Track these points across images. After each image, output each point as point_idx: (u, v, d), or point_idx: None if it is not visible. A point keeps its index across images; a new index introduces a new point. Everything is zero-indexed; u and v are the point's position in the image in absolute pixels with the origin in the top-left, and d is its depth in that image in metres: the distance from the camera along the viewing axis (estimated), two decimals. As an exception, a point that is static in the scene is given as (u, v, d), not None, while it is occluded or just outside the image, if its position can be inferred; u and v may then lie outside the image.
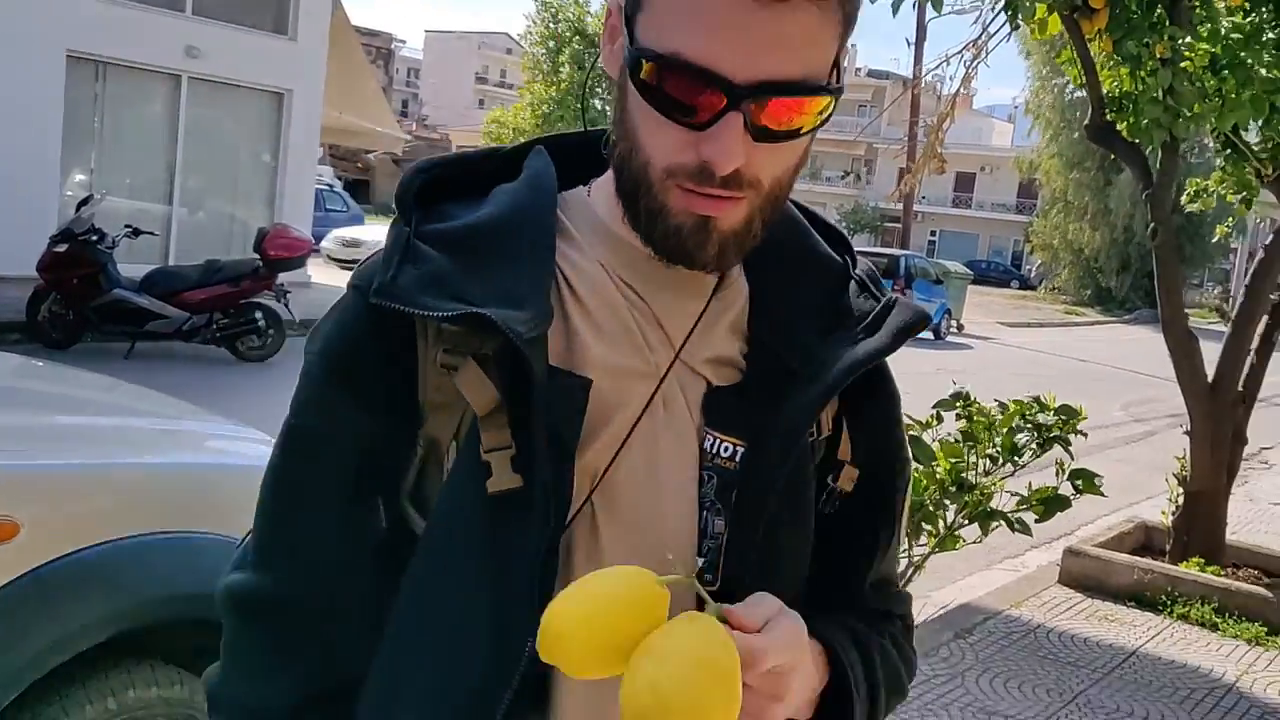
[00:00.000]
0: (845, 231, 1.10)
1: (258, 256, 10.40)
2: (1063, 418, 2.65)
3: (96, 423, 2.99)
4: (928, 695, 4.51)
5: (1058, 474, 2.71)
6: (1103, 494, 2.72)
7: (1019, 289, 46.50)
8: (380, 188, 40.11)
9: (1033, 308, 35.44)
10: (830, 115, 0.90)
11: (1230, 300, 39.46)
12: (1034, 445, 2.65)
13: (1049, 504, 2.56)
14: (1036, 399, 2.77)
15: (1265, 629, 5.66)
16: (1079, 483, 2.64)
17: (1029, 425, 2.67)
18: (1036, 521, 2.62)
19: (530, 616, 0.84)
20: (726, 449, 0.94)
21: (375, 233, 22.19)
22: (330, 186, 24.94)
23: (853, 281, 1.03)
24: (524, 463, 0.88)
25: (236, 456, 3.03)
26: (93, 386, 3.48)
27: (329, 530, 0.95)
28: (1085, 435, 2.83)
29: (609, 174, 0.97)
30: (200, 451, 3.05)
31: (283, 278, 10.63)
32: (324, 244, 20.01)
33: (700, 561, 0.93)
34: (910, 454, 1.10)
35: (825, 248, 1.06)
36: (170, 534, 2.56)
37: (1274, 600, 5.78)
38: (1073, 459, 2.71)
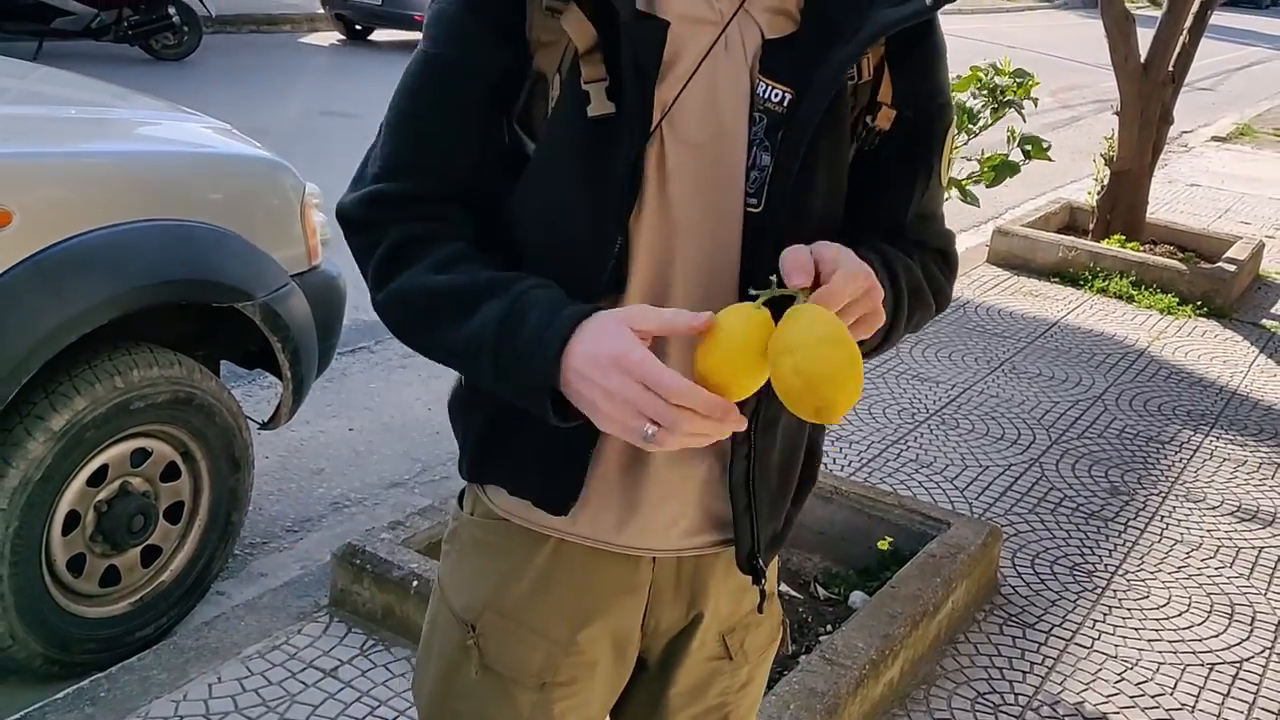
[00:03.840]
0: None
1: (165, -55, 9.85)
2: (1017, 81, 2.73)
3: (61, 112, 2.97)
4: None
5: (1008, 141, 2.83)
6: (1050, 159, 2.85)
7: (948, -25, 45.49)
8: None
9: (962, -5, 34.78)
10: None
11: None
12: (989, 110, 2.75)
13: (999, 170, 2.68)
14: (993, 64, 2.85)
15: (1177, 299, 6.04)
16: (1029, 148, 2.75)
17: (985, 90, 2.76)
18: (987, 187, 2.75)
19: (620, 214, 1.05)
20: (776, 95, 1.09)
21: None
22: None
23: None
24: (616, 91, 1.04)
25: (208, 144, 3.06)
26: (9, 74, 3.37)
27: (471, 140, 1.10)
28: (1036, 101, 2.93)
29: None
30: (168, 140, 3.06)
31: (194, -31, 10.12)
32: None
33: (749, 189, 1.10)
34: (951, 100, 1.24)
35: None
36: (160, 221, 2.63)
37: (1186, 272, 6.13)
38: (1025, 122, 2.82)
